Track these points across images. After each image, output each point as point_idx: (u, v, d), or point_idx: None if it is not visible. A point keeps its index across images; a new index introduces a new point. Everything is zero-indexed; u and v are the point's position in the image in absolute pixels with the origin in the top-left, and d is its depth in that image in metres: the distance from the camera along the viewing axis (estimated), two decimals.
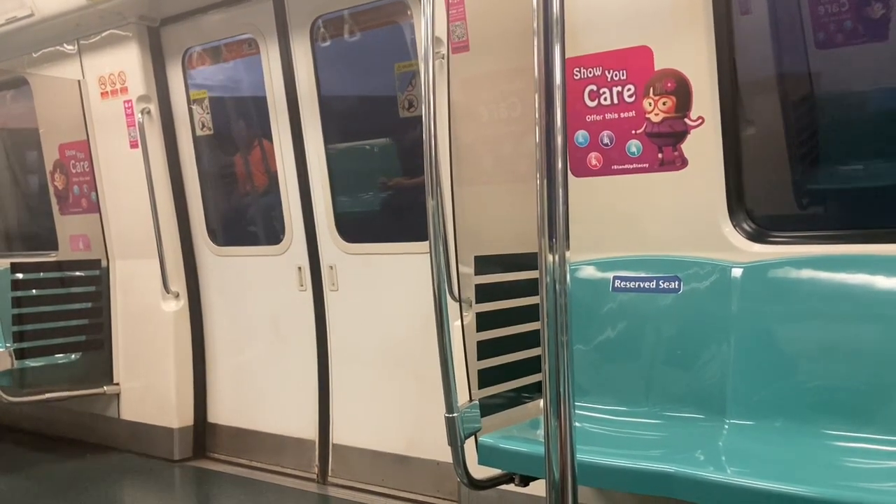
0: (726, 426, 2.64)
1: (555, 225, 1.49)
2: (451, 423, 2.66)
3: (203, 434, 5.04)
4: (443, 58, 3.25)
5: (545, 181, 1.49)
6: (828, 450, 2.39)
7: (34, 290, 5.17)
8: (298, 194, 4.45)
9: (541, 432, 2.80)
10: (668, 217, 2.99)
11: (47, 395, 5.04)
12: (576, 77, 3.09)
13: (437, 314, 2.64)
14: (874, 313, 2.51)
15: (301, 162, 4.41)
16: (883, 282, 2.56)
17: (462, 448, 2.67)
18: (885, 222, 3.09)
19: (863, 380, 2.45)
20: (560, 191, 1.49)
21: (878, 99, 4.25)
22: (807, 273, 2.71)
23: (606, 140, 3.08)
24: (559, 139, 1.48)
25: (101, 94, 5.03)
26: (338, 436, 4.41)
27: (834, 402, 2.47)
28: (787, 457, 2.39)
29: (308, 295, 4.46)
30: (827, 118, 4.38)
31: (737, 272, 2.79)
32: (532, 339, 3.11)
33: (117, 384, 5.21)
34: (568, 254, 1.52)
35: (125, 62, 4.86)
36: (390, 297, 4.19)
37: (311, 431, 4.49)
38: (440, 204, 2.77)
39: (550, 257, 1.50)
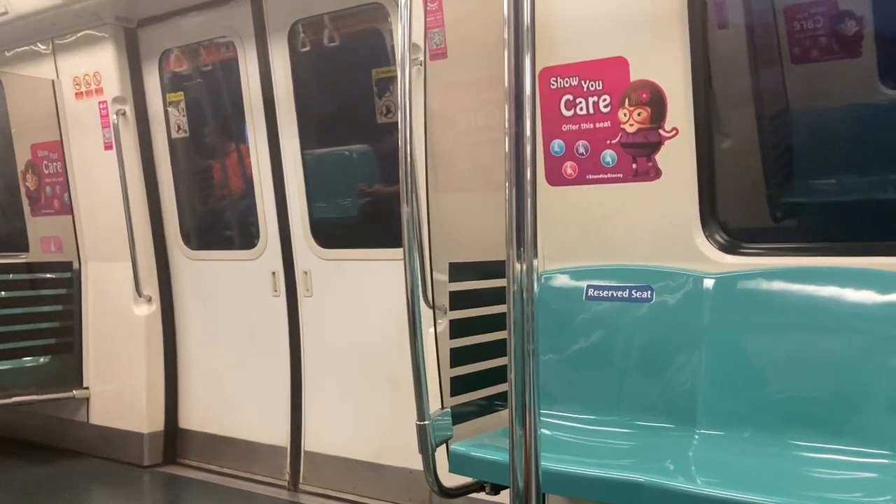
0: (696, 436, 2.65)
1: (523, 234, 1.48)
2: (422, 431, 2.65)
3: (174, 439, 4.99)
4: (420, 64, 3.25)
5: (514, 190, 1.49)
6: (796, 460, 2.40)
7: (2, 292, 5.09)
8: (274, 199, 4.42)
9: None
10: (642, 227, 3.01)
11: (14, 399, 4.95)
12: (552, 87, 3.10)
13: (410, 321, 2.63)
14: (843, 325, 2.54)
15: (277, 166, 4.38)
16: (852, 294, 2.59)
17: (433, 456, 2.66)
18: (856, 236, 3.13)
19: (830, 391, 2.47)
20: (528, 200, 1.49)
21: (850, 114, 4.31)
22: (778, 285, 2.73)
23: (582, 150, 3.09)
24: (528, 148, 1.48)
25: (76, 94, 4.97)
26: (310, 443, 4.37)
27: (802, 413, 2.49)
28: (755, 467, 2.40)
29: (282, 300, 4.43)
30: (800, 132, 4.43)
31: (709, 283, 2.81)
32: (505, 348, 3.12)
33: (87, 388, 5.14)
34: (536, 263, 1.51)
35: (101, 63, 4.82)
36: (365, 303, 4.17)
37: (283, 438, 4.45)
38: (415, 210, 2.77)
39: (518, 266, 1.49)
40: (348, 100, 4.61)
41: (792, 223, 3.53)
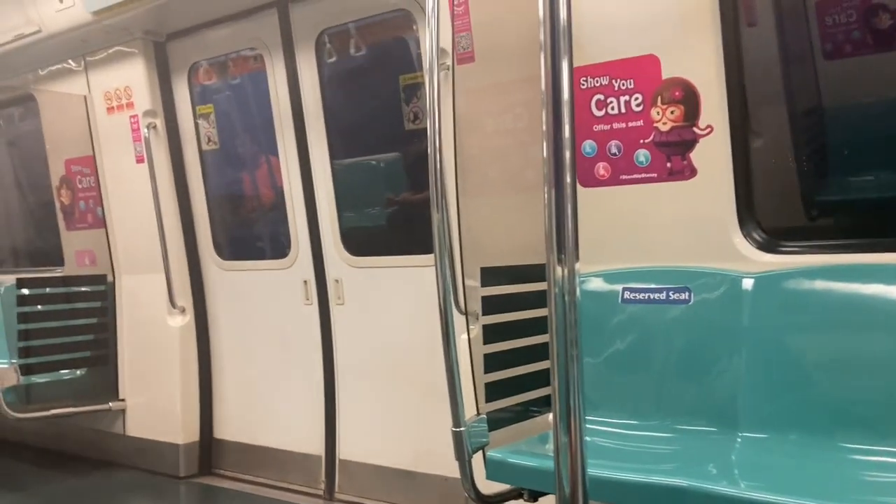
0: (739, 439, 2.58)
1: (564, 239, 1.45)
2: (458, 438, 2.61)
3: (209, 450, 5.00)
4: (448, 69, 3.24)
5: (553, 194, 1.46)
6: (845, 463, 2.33)
7: (40, 306, 5.16)
8: (304, 208, 4.43)
9: (550, 447, 2.77)
10: (678, 227, 2.95)
11: (53, 412, 5.01)
12: (583, 86, 3.06)
13: (443, 327, 2.60)
14: (889, 324, 2.46)
15: (307, 176, 4.39)
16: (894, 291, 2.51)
17: (469, 463, 2.62)
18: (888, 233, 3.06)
19: (880, 392, 2.40)
20: (569, 204, 1.46)
21: (886, 109, 4.21)
22: (819, 283, 2.66)
23: (614, 150, 3.05)
24: (567, 153, 1.45)
25: (107, 109, 5.03)
26: (344, 451, 4.36)
27: (850, 414, 2.42)
28: (802, 471, 2.34)
29: (314, 309, 4.43)
30: (836, 128, 4.35)
31: (748, 283, 2.74)
32: (540, 352, 3.08)
33: (123, 400, 5.18)
34: (577, 267, 1.48)
35: (131, 77, 4.87)
36: (396, 310, 4.15)
37: (317, 447, 4.45)
38: (445, 216, 2.75)
39: (559, 271, 1.46)
40: (376, 108, 4.61)
41: (830, 220, 3.44)
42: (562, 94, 1.45)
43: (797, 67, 4.43)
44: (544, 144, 1.49)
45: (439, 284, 2.63)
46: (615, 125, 3.03)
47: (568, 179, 1.47)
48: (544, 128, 1.48)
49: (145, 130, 4.82)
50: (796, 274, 2.70)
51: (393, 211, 4.53)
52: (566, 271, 1.47)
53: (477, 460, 2.69)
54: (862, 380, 2.43)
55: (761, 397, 2.58)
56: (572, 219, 1.47)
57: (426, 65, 2.61)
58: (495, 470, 2.67)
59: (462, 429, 2.60)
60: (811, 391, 2.51)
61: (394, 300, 4.17)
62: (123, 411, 5.18)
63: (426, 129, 2.61)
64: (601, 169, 3.09)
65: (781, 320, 2.64)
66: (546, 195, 1.49)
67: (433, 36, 2.55)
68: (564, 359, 1.48)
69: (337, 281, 4.35)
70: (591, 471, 2.44)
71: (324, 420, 4.42)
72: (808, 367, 2.55)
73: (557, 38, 1.45)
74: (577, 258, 1.48)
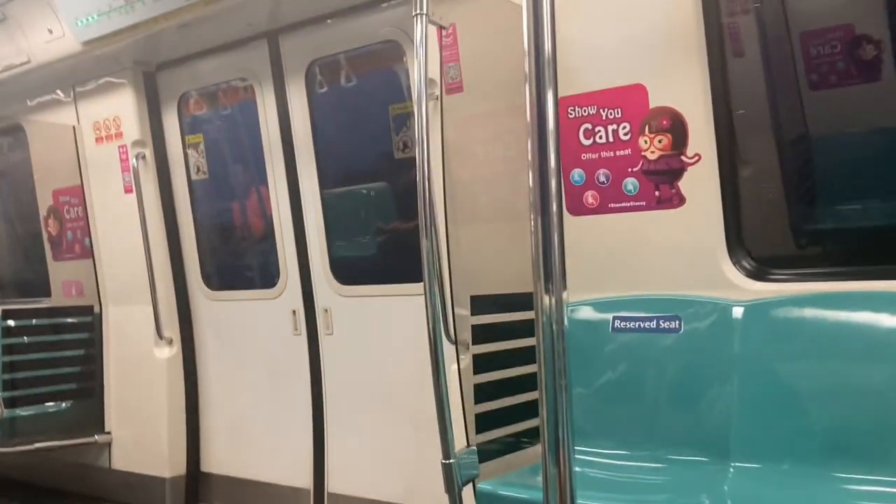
0: (731, 469, 2.56)
1: (551, 268, 1.44)
2: (447, 470, 2.58)
3: (196, 483, 4.92)
4: (437, 98, 3.25)
5: (540, 223, 1.46)
6: (838, 492, 2.31)
7: (26, 338, 5.10)
8: (293, 237, 4.41)
9: (541, 478, 2.73)
10: (667, 255, 2.95)
11: (37, 445, 4.92)
12: (570, 116, 3.07)
13: (433, 357, 2.58)
14: (881, 352, 2.45)
15: (296, 205, 4.38)
16: (888, 319, 2.51)
17: (459, 495, 2.58)
18: (887, 259, 3.06)
19: (872, 420, 2.38)
20: (555, 233, 1.45)
21: (870, 138, 4.25)
22: (810, 311, 2.66)
23: (602, 178, 3.05)
24: (553, 182, 1.45)
25: (96, 139, 5.03)
26: (333, 484, 4.30)
27: (843, 443, 2.40)
28: (795, 500, 2.31)
29: (303, 339, 4.39)
30: (823, 157, 4.38)
31: (738, 311, 2.74)
32: (532, 382, 3.04)
33: (109, 433, 5.11)
34: (565, 296, 1.47)
35: (120, 107, 4.87)
36: (386, 339, 4.12)
37: (305, 480, 4.38)
38: (435, 244, 2.75)
39: (547, 300, 1.45)
40: (366, 137, 4.62)
41: (819, 248, 3.45)
42: (547, 124, 1.45)
43: (783, 97, 4.48)
44: (530, 173, 1.49)
45: (428, 313, 2.61)
46: (603, 154, 3.04)
47: (554, 208, 1.46)
48: (530, 157, 1.48)
49: (134, 161, 4.81)
50: (786, 302, 2.69)
51: (383, 239, 4.52)
52: (553, 300, 1.46)
53: (468, 493, 2.65)
54: (853, 408, 2.42)
55: (753, 426, 2.56)
56: (559, 247, 1.47)
57: (415, 95, 2.62)
58: (486, 502, 2.63)
59: (452, 461, 2.56)
60: (803, 420, 2.49)
61: (384, 329, 4.14)
62: (109, 444, 5.10)
63: (415, 157, 2.62)
64: (590, 197, 3.09)
65: (772, 348, 2.63)
66: (532, 224, 1.49)
67: (421, 66, 2.57)
68: (553, 389, 1.46)
69: (326, 310, 4.32)
70: (582, 502, 2.41)
71: (312, 453, 4.36)
72: (799, 395, 2.53)
73: (542, 68, 1.45)
74: (564, 287, 1.47)
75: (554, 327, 1.45)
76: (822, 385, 2.50)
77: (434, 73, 3.28)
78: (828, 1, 4.50)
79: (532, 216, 1.48)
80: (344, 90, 4.38)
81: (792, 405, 2.53)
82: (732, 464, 2.57)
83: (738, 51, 4.45)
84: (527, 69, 1.49)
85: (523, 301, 3.13)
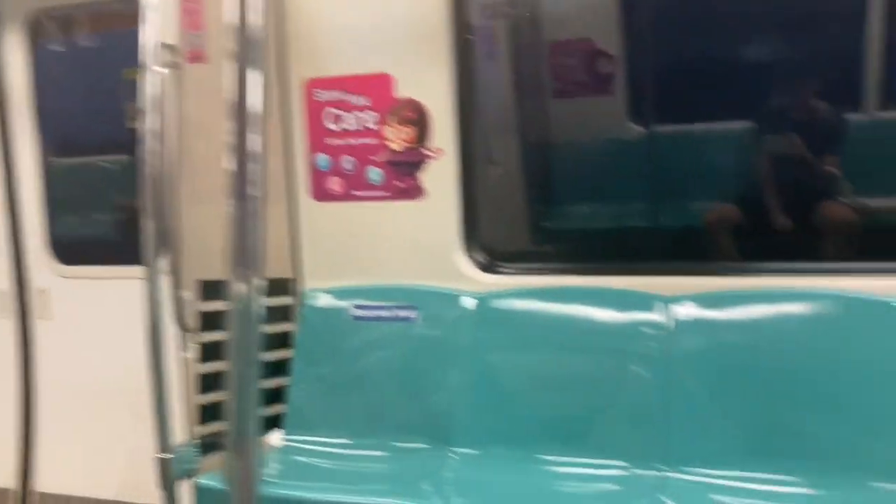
0: (454, 456, 2.63)
1: (247, 253, 1.36)
2: (162, 465, 2.42)
3: None
4: (176, 67, 3.02)
5: (237, 208, 1.37)
6: (545, 475, 2.45)
7: None
8: (7, 209, 3.91)
9: (272, 472, 2.64)
10: (407, 245, 2.98)
11: None
12: (317, 98, 3.00)
13: (150, 344, 2.40)
14: (588, 342, 2.64)
15: (9, 173, 3.88)
16: (598, 313, 2.70)
17: (173, 491, 2.42)
18: (609, 257, 3.32)
19: (576, 405, 2.56)
20: (254, 218, 1.37)
21: (602, 146, 4.62)
22: (534, 304, 2.80)
23: (347, 165, 3.01)
24: (253, 165, 1.36)
25: None
26: (43, 483, 3.88)
27: (550, 428, 2.55)
28: (507, 485, 2.42)
29: (10, 323, 3.91)
30: (559, 161, 4.69)
31: (469, 302, 2.82)
32: (266, 372, 2.95)
33: None
34: (261, 284, 1.39)
35: None
36: (116, 325, 3.78)
37: (8, 479, 3.92)
38: (163, 224, 2.57)
39: (240, 287, 1.36)
40: (103, 105, 4.22)
41: (550, 244, 3.69)
42: (247, 103, 1.36)
43: (528, 101, 4.73)
44: (230, 156, 1.39)
45: (148, 297, 2.42)
46: (349, 141, 3.00)
47: (253, 192, 1.37)
48: (231, 138, 1.38)
49: None
50: (512, 294, 2.82)
51: (118, 217, 4.16)
52: (248, 287, 1.37)
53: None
54: (562, 395, 2.58)
55: (474, 413, 2.65)
56: (257, 232, 1.38)
57: (144, 59, 2.42)
58: (204, 498, 2.48)
59: (166, 455, 2.40)
60: (517, 406, 2.62)
61: (114, 314, 3.80)
62: None
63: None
64: (334, 184, 3.04)
65: (495, 338, 2.74)
66: (229, 208, 1.39)
67: (153, 29, 2.39)
68: (239, 379, 1.38)
69: (42, 292, 3.89)
70: (303, 494, 2.36)
71: (19, 449, 3.90)
72: (516, 383, 2.66)
73: (248, 47, 1.36)
74: (260, 274, 1.39)
75: (247, 315, 1.37)
76: (537, 373, 2.65)
77: (174, 38, 3.06)
78: (573, 16, 4.82)
79: (230, 199, 1.39)
80: (76, 48, 3.96)
81: (509, 392, 2.65)
82: (455, 450, 2.64)
83: (490, 53, 4.63)
84: (233, 47, 1.39)
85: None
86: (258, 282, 1.37)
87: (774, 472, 2.34)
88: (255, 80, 1.35)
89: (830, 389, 2.36)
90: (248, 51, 1.34)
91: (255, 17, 1.36)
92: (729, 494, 2.32)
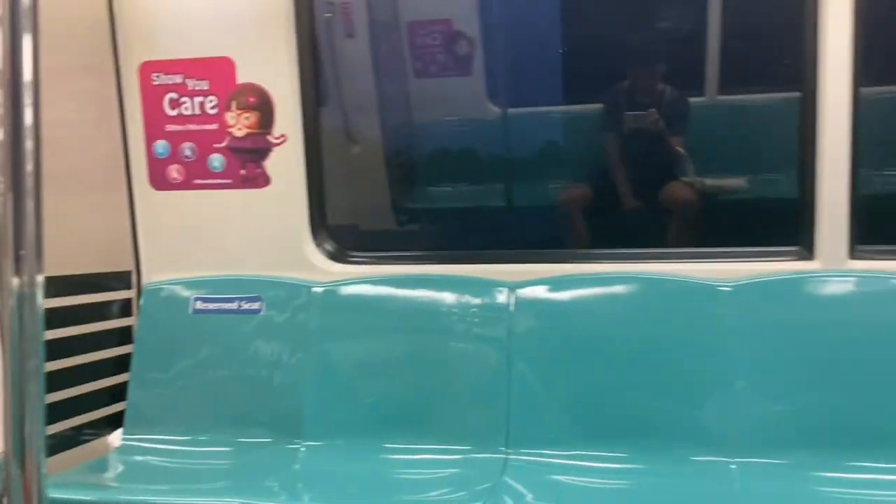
0: (302, 448, 2.61)
1: (22, 242, 1.26)
2: None
3: None
4: None
5: (11, 192, 1.26)
6: (387, 464, 2.47)
7: None
8: None
9: (106, 474, 2.54)
10: (252, 235, 2.91)
11: None
12: (154, 82, 2.86)
13: None
14: (431, 328, 2.66)
15: None
16: (443, 298, 2.72)
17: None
18: (456, 244, 3.35)
19: (418, 391, 2.59)
20: (29, 202, 1.27)
21: (459, 131, 4.65)
22: (380, 291, 2.80)
23: (188, 152, 2.90)
24: (30, 142, 1.26)
25: None
26: None
27: (392, 416, 2.57)
28: (352, 476, 2.43)
29: None
30: (414, 147, 4.69)
31: (316, 292, 2.79)
32: (101, 370, 2.82)
33: None
34: (39, 278, 1.30)
35: None
36: None
37: None
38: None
39: (16, 280, 1.26)
40: None
41: (400, 233, 3.69)
42: (22, 75, 1.26)
43: (386, 82, 4.69)
44: (2, 132, 1.28)
45: None
46: (189, 126, 2.88)
47: (29, 172, 1.27)
48: (3, 112, 1.27)
49: None
50: (361, 282, 2.81)
51: None
52: (25, 279, 1.27)
53: None
54: (405, 381, 2.60)
55: (321, 405, 2.64)
56: (33, 219, 1.28)
57: None
58: None
59: None
60: (362, 396, 2.62)
61: None
62: None
63: None
64: (174, 172, 2.92)
65: (341, 328, 2.73)
66: (3, 193, 1.29)
67: None
68: (17, 385, 1.29)
69: None
70: (141, 497, 2.28)
71: None
72: (362, 372, 2.66)
73: (19, 12, 1.25)
74: (39, 265, 1.29)
75: (25, 312, 1.27)
76: (382, 361, 2.65)
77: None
78: None
79: (8, 187, 1.28)
80: None
81: (355, 382, 2.65)
82: (303, 443, 2.62)
83: (350, 32, 4.55)
84: (3, 12, 1.28)
85: (97, 282, 2.89)
86: (35, 276, 1.27)
87: (609, 451, 2.45)
88: (26, 45, 1.25)
89: (657, 368, 2.48)
90: (19, 16, 1.24)
91: None
92: (567, 473, 2.42)
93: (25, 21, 1.25)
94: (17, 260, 1.25)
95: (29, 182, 1.26)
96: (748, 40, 4.24)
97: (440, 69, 4.86)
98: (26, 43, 1.25)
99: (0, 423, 1.52)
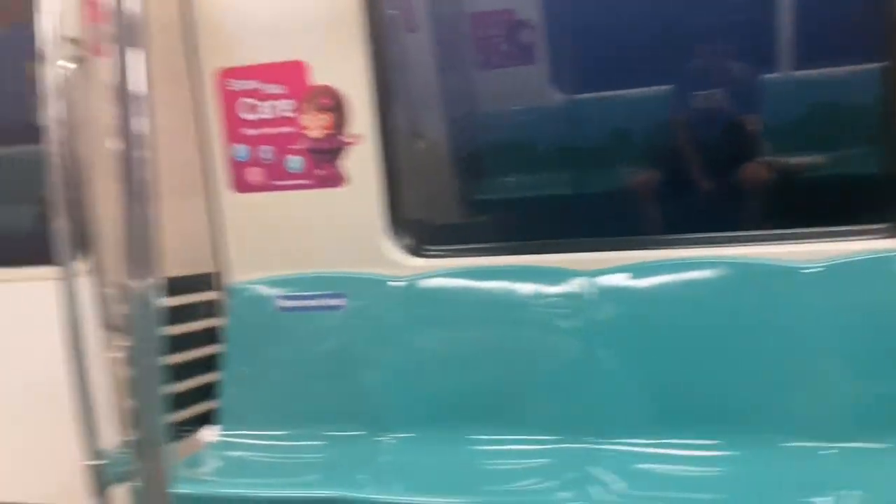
0: (391, 441, 2.66)
1: (142, 247, 1.33)
2: (92, 472, 2.39)
3: None
4: (80, 61, 2.93)
5: (130, 199, 1.33)
6: (474, 455, 2.50)
7: None
8: None
9: (203, 469, 2.65)
10: (331, 233, 2.97)
11: None
12: (231, 88, 2.95)
13: (71, 347, 2.38)
14: (513, 319, 2.67)
15: None
16: (523, 289, 2.74)
17: (104, 496, 2.41)
18: (532, 236, 3.35)
19: (503, 382, 2.61)
20: (146, 209, 1.33)
21: (528, 120, 4.63)
22: (460, 284, 2.83)
23: (267, 155, 2.98)
24: (144, 151, 1.33)
25: None
26: None
27: (478, 407, 2.60)
28: (440, 467, 2.47)
29: None
30: (484, 139, 4.69)
31: (397, 286, 2.84)
32: (190, 369, 2.93)
33: None
34: (158, 281, 1.37)
35: None
36: (35, 329, 3.69)
37: None
38: (79, 221, 2.52)
39: (136, 283, 1.34)
40: (13, 96, 4.07)
41: (476, 226, 3.70)
42: (129, 87, 1.32)
43: (453, 76, 4.70)
44: (119, 142, 1.35)
45: (65, 299, 2.40)
46: (266, 130, 2.96)
47: (144, 182, 1.33)
48: (119, 124, 1.34)
49: None
50: (439, 275, 2.84)
51: (37, 214, 4.03)
52: (146, 284, 1.34)
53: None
54: (489, 373, 2.62)
55: (408, 397, 2.69)
56: (150, 225, 1.35)
57: (39, 53, 2.37)
58: (141, 499, 2.47)
59: (95, 462, 2.38)
60: (448, 387, 2.65)
61: (35, 317, 3.71)
62: None
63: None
64: (254, 174, 3.00)
65: (425, 321, 2.77)
66: (123, 200, 1.36)
67: (53, 21, 2.33)
68: (141, 384, 1.36)
69: None
70: (239, 491, 2.37)
71: None
72: (445, 364, 2.69)
73: (126, 28, 1.31)
74: (155, 271, 1.36)
75: (145, 310, 1.35)
76: (464, 352, 2.67)
77: (76, 32, 2.96)
78: None
79: (121, 191, 1.35)
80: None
81: (439, 374, 2.68)
82: (391, 435, 2.68)
83: (411, 26, 4.58)
84: (112, 28, 1.35)
85: (185, 284, 3.00)
86: (155, 279, 1.34)
87: (696, 438, 2.43)
88: (136, 61, 1.31)
89: (743, 354, 2.45)
90: (126, 33, 1.30)
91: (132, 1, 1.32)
92: (654, 461, 2.41)
93: (135, 36, 1.32)
94: (136, 263, 1.33)
95: (145, 191, 1.33)
96: (824, 10, 4.11)
97: (503, 59, 4.84)
98: (136, 56, 1.32)
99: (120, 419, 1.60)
